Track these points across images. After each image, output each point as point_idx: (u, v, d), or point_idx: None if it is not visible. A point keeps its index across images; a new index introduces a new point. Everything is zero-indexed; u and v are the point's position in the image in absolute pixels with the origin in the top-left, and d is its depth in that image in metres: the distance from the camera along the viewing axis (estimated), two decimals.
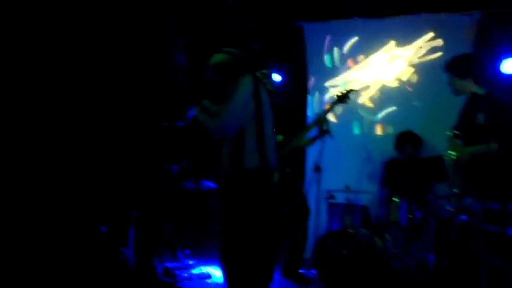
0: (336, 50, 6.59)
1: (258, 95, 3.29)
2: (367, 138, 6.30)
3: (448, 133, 3.89)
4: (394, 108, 6.26)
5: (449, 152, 3.82)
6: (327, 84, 6.61)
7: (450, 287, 4.06)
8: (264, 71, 4.38)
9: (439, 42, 6.01)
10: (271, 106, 3.51)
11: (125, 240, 4.54)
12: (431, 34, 6.06)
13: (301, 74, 6.72)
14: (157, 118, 4.48)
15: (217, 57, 3.59)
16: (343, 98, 5.04)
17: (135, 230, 4.56)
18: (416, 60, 6.15)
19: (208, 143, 3.88)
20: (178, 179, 5.42)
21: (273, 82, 4.52)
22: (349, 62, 6.52)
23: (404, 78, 6.23)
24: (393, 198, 5.17)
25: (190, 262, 5.31)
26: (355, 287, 4.87)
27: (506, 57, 5.44)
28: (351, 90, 5.01)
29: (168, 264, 5.00)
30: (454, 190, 3.59)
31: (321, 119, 4.95)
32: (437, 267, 4.37)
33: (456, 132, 3.82)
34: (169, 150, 5.07)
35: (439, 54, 5.97)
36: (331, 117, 5.32)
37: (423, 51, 6.10)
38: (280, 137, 4.88)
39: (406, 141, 5.68)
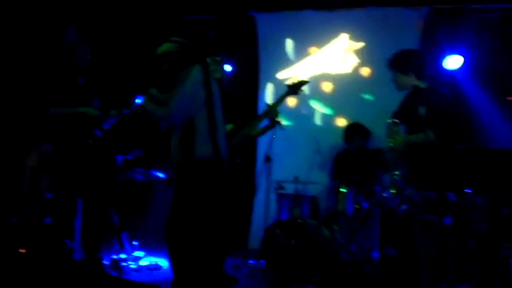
0: (288, 41, 6.61)
1: (208, 83, 3.27)
2: (317, 130, 6.35)
3: (388, 120, 3.99)
4: (344, 100, 6.34)
5: (387, 139, 3.95)
6: (278, 75, 6.62)
7: (393, 276, 4.16)
8: (216, 58, 4.34)
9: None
10: (221, 95, 3.49)
11: (71, 231, 4.44)
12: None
13: (254, 64, 6.71)
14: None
15: (165, 47, 3.54)
16: (294, 89, 5.04)
17: (82, 220, 4.46)
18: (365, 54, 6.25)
19: (157, 133, 3.81)
20: (127, 168, 5.34)
21: (223, 70, 4.47)
22: (302, 53, 6.55)
23: (354, 71, 6.31)
24: (341, 189, 5.25)
25: (138, 253, 5.25)
26: (303, 276, 4.93)
27: (450, 53, 5.56)
28: (303, 82, 5.02)
29: (116, 256, 4.93)
30: (395, 177, 3.69)
31: (272, 110, 4.94)
32: (382, 257, 4.46)
33: (395, 120, 3.92)
34: (118, 139, 4.97)
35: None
36: (282, 107, 5.32)
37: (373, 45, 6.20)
38: (229, 126, 4.86)
39: (355, 133, 5.77)
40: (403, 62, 4.03)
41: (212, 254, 3.40)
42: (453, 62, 5.56)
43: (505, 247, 2.54)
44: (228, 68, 6.22)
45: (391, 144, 3.88)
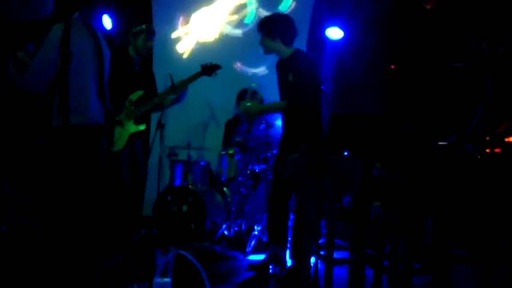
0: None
1: (67, 43, 3.06)
2: (211, 96, 6.28)
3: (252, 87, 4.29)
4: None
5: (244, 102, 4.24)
6: (173, 35, 6.41)
7: (281, 237, 4.26)
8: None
9: None
10: (99, 53, 3.28)
11: None
12: None
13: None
14: None
15: None
16: (207, 70, 4.96)
17: None
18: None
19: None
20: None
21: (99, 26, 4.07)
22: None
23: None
24: (232, 155, 5.28)
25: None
26: (195, 242, 4.93)
27: (331, 24, 5.62)
28: (216, 66, 4.96)
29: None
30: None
31: (182, 86, 4.86)
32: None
33: (254, 89, 4.22)
34: None
35: None
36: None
37: None
38: (140, 93, 4.72)
39: (246, 97, 5.77)
40: (269, 26, 4.07)
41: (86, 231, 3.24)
42: (334, 33, 5.63)
43: (376, 206, 2.68)
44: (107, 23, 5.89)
45: (241, 109, 4.17)
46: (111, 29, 4.69)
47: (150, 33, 4.84)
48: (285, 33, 4.06)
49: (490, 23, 3.14)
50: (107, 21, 4.51)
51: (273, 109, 4.36)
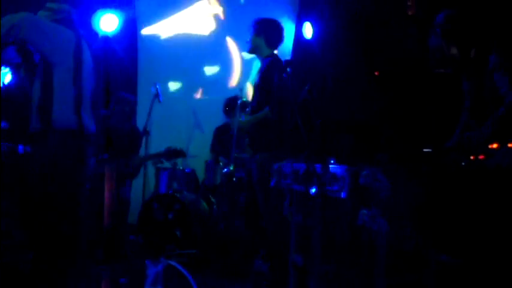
0: None
1: None
2: (196, 103, 6.30)
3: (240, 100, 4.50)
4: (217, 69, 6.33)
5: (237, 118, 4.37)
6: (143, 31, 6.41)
7: (268, 245, 4.28)
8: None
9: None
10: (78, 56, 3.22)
11: None
12: None
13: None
14: None
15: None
16: (170, 155, 5.16)
17: None
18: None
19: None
20: None
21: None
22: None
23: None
24: (220, 162, 5.29)
25: None
26: (181, 250, 4.92)
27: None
28: (180, 153, 5.15)
29: None
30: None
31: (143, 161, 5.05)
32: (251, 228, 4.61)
33: (244, 99, 4.47)
34: None
35: None
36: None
37: None
38: None
39: (234, 105, 5.79)
40: (259, 22, 4.25)
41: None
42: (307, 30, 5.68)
43: (363, 214, 2.70)
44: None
45: (240, 124, 4.25)
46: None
47: None
48: (270, 34, 4.23)
49: (459, 27, 3.13)
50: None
51: (263, 119, 4.26)
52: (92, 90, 3.25)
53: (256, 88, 4.28)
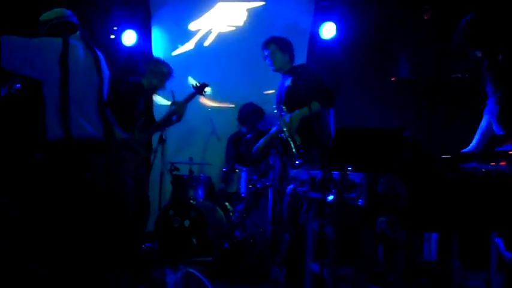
0: None
1: (64, 59, 3.00)
2: (213, 111, 6.29)
3: (279, 111, 4.34)
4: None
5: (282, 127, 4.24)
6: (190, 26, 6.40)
7: (286, 253, 4.24)
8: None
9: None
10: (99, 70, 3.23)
11: None
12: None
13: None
14: None
15: (45, 15, 3.29)
16: (199, 89, 5.06)
17: None
18: None
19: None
20: None
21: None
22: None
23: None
24: (235, 170, 5.27)
25: None
26: (197, 257, 4.91)
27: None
28: (205, 84, 5.06)
29: None
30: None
31: (179, 109, 4.93)
32: (273, 235, 4.55)
33: (282, 111, 4.31)
34: None
35: None
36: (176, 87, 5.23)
37: None
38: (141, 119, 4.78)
39: (249, 113, 5.79)
40: (283, 41, 4.53)
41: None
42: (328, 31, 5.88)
43: (381, 221, 2.66)
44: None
45: (287, 133, 4.18)
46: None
47: (169, 77, 4.96)
48: (292, 52, 4.57)
49: (486, 30, 3.09)
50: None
51: (304, 115, 4.29)
52: (97, 94, 3.20)
53: (291, 96, 4.37)
